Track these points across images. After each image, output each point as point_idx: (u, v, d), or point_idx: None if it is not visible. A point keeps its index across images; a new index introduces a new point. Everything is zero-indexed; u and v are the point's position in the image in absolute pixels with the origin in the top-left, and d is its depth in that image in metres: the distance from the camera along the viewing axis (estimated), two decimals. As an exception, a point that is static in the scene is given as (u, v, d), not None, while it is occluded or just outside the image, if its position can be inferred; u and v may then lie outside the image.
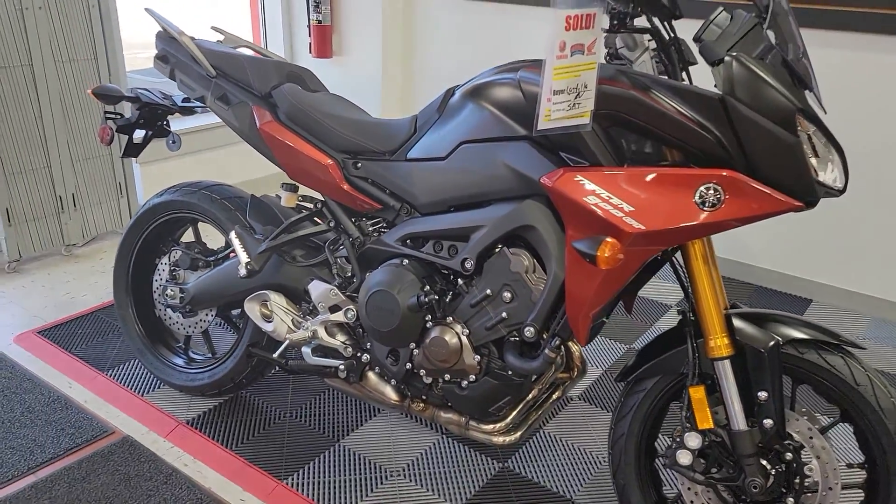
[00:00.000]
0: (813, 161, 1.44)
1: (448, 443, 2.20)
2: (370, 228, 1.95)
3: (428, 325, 1.81)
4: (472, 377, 1.79)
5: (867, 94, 2.84)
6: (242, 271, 2.00)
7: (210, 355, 2.38)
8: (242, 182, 4.01)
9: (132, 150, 2.32)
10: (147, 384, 2.43)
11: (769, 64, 1.46)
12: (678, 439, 1.60)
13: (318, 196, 2.03)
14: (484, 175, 1.70)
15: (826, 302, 3.13)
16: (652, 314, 2.98)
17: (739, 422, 1.54)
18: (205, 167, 3.92)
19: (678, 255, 1.65)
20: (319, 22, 4.04)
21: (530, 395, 1.88)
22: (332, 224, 1.99)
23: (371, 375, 1.97)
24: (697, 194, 1.44)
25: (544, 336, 1.68)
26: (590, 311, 1.57)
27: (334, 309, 1.95)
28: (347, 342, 1.96)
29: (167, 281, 2.29)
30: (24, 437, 2.16)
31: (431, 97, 3.87)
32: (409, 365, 1.87)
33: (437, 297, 1.78)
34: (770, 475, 1.56)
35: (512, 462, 2.12)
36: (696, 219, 1.44)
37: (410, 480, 2.04)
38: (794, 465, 1.55)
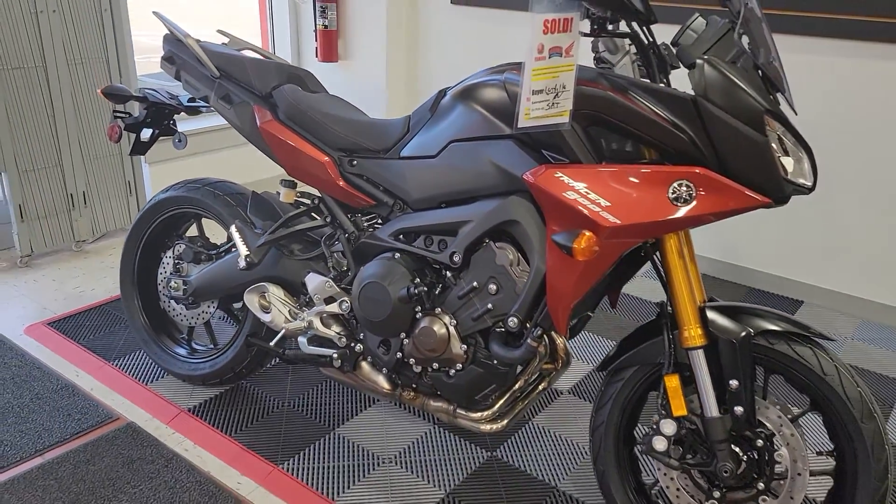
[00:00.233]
0: (783, 160, 1.52)
1: (439, 432, 2.27)
2: (365, 224, 2.04)
3: (417, 316, 1.89)
4: (459, 366, 1.86)
5: (863, 100, 2.90)
6: (242, 263, 2.08)
7: (212, 346, 2.47)
8: (249, 182, 4.11)
9: (139, 147, 2.41)
10: (151, 373, 2.52)
11: (741, 67, 1.53)
12: (654, 426, 1.67)
13: (316, 192, 2.11)
14: (471, 172, 1.77)
15: (817, 303, 3.19)
16: (640, 311, 3.05)
17: (712, 409, 1.61)
18: (212, 167, 4.01)
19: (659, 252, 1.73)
20: (325, 27, 4.14)
21: (517, 386, 1.95)
22: (328, 219, 2.07)
23: (364, 365, 2.05)
24: (671, 190, 1.51)
25: (527, 326, 1.75)
26: (569, 303, 1.64)
27: (329, 300, 2.03)
28: (342, 332, 2.04)
29: (171, 274, 2.38)
30: (32, 422, 2.25)
31: (434, 100, 3.95)
32: (399, 354, 1.94)
33: (426, 289, 1.86)
34: (742, 461, 1.63)
35: (500, 451, 2.20)
36: (668, 214, 1.51)
37: (401, 467, 2.12)
38: (765, 451, 1.62)
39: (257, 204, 2.19)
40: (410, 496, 2.01)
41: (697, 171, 1.51)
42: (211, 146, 4.00)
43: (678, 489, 1.72)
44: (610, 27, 1.60)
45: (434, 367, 1.91)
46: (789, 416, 1.62)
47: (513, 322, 1.74)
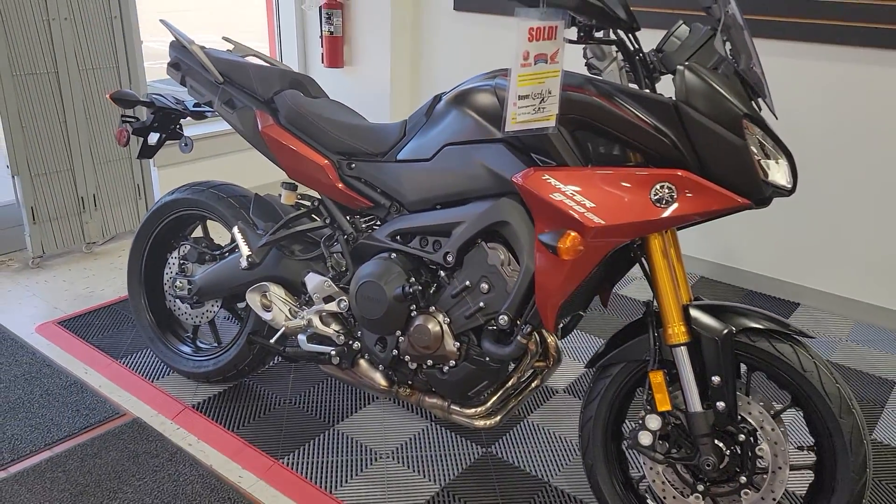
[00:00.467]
0: (763, 163, 1.57)
1: (436, 429, 2.33)
2: (363, 225, 2.10)
3: (412, 315, 1.95)
4: (453, 363, 1.92)
5: (858, 104, 2.94)
6: (244, 263, 2.15)
7: (216, 344, 2.53)
8: (254, 185, 4.18)
9: (147, 151, 2.49)
10: (157, 371, 2.59)
11: (721, 73, 1.59)
12: (640, 422, 1.72)
13: (316, 195, 2.17)
14: (464, 175, 1.83)
15: (813, 305, 3.23)
16: (634, 311, 3.10)
17: (695, 404, 1.65)
18: (219, 170, 4.09)
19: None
20: (331, 33, 4.21)
21: (510, 383, 2.01)
22: (327, 221, 2.14)
23: (362, 362, 2.11)
24: (653, 192, 1.57)
25: (518, 324, 1.81)
26: (557, 301, 1.70)
27: (328, 299, 2.09)
28: (340, 331, 2.10)
29: (176, 274, 2.45)
30: (42, 417, 2.33)
31: (437, 105, 4.01)
32: (395, 351, 2.00)
33: (420, 288, 1.92)
34: (725, 455, 1.68)
35: (495, 447, 2.25)
36: (651, 214, 1.56)
37: (398, 462, 2.18)
38: (748, 446, 1.67)
39: (259, 206, 2.26)
40: (406, 490, 2.07)
41: (679, 173, 1.56)
42: (218, 150, 4.08)
43: (663, 483, 1.77)
44: (597, 34, 1.66)
45: (428, 364, 1.96)
46: (771, 412, 1.67)
47: (503, 320, 1.80)
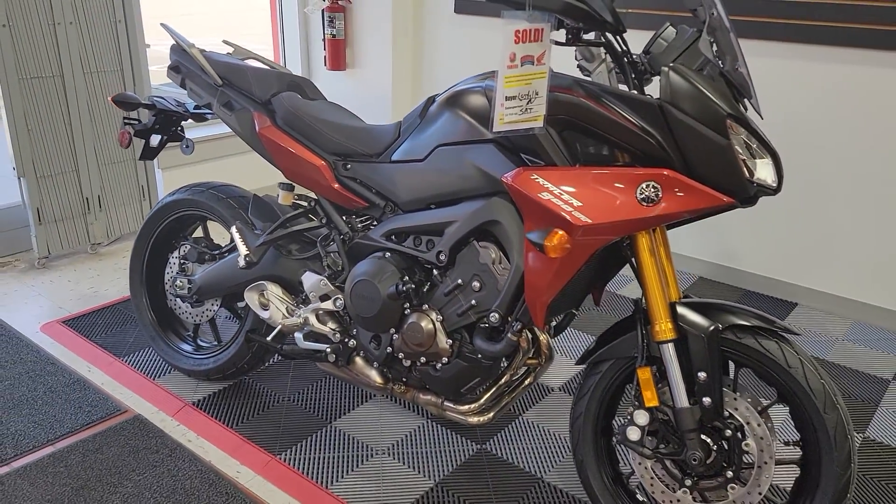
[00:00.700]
0: (749, 162, 1.59)
1: (432, 426, 2.36)
2: (359, 225, 2.13)
3: (406, 312, 1.98)
4: (445, 360, 1.95)
5: (855, 105, 2.96)
6: (242, 263, 2.19)
7: (216, 343, 2.57)
8: (258, 186, 4.23)
9: (149, 153, 2.53)
10: (159, 369, 2.63)
11: (706, 74, 1.61)
12: (629, 417, 1.75)
13: (312, 195, 2.21)
14: (456, 175, 1.87)
15: (811, 305, 3.24)
16: (629, 310, 3.11)
17: (682, 400, 1.68)
18: (222, 172, 4.14)
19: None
20: (333, 36, 4.26)
21: (503, 380, 2.04)
22: (324, 221, 2.17)
23: (358, 360, 2.14)
24: (638, 191, 1.60)
25: (509, 321, 1.84)
26: (546, 298, 1.73)
27: (324, 298, 2.13)
28: (336, 329, 2.13)
29: (177, 273, 2.50)
30: (45, 414, 2.37)
31: (438, 107, 4.05)
32: (389, 349, 2.04)
33: (414, 286, 1.95)
34: (712, 451, 1.70)
35: (490, 444, 2.28)
36: (637, 213, 1.59)
37: (393, 458, 2.21)
38: (734, 441, 1.69)
39: (258, 206, 2.29)
40: (400, 485, 2.10)
41: (665, 172, 1.59)
42: (222, 152, 4.12)
43: (652, 478, 1.79)
44: (585, 37, 1.68)
45: (422, 362, 1.99)
46: (758, 408, 1.70)
47: (494, 317, 1.83)
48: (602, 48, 1.77)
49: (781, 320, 3.07)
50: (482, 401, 2.02)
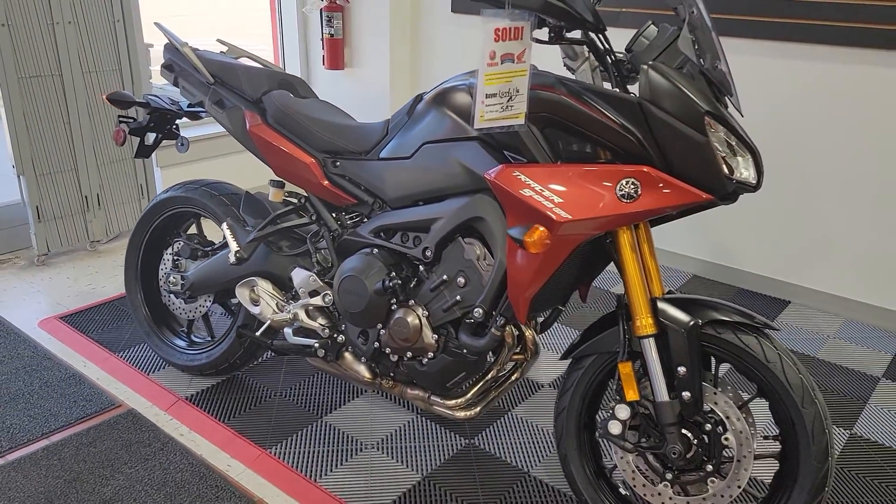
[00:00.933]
0: (729, 159, 1.61)
1: (421, 421, 2.38)
2: (348, 221, 2.16)
3: (393, 308, 2.00)
4: (431, 354, 1.97)
5: (847, 103, 2.97)
6: (232, 259, 2.22)
7: (209, 338, 2.60)
8: (256, 186, 4.26)
9: (144, 151, 2.56)
10: (154, 364, 2.66)
11: (686, 73, 1.63)
12: (611, 411, 1.77)
13: (303, 192, 2.24)
14: (442, 172, 1.89)
15: (803, 303, 3.25)
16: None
17: (662, 394, 1.70)
18: (221, 171, 4.17)
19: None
20: (332, 35, 4.28)
21: (490, 375, 2.06)
22: (314, 217, 2.20)
23: (347, 355, 2.17)
24: (618, 187, 1.62)
25: (494, 316, 1.86)
26: (528, 293, 1.75)
27: (313, 294, 2.15)
28: (325, 324, 2.16)
29: (170, 269, 2.53)
30: (40, 408, 2.40)
31: (435, 106, 4.07)
32: (376, 344, 2.06)
33: (400, 282, 1.98)
34: (692, 444, 1.72)
35: (478, 439, 2.30)
36: (616, 209, 1.61)
37: (382, 453, 2.23)
38: (714, 435, 1.71)
39: (249, 203, 2.32)
40: (388, 478, 2.12)
41: (644, 169, 1.61)
42: (220, 151, 4.15)
43: (633, 471, 1.81)
44: (568, 35, 1.70)
45: (408, 357, 2.02)
46: (738, 403, 1.71)
47: (478, 312, 1.85)
48: (584, 47, 1.79)
49: (774, 318, 3.09)
50: (469, 395, 2.04)
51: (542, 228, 1.64)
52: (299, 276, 2.17)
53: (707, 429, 1.71)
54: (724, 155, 1.61)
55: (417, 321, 1.96)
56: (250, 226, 2.28)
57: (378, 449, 2.25)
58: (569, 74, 1.84)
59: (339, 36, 4.29)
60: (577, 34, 1.81)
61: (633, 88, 1.78)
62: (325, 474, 2.14)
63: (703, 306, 1.72)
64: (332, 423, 2.36)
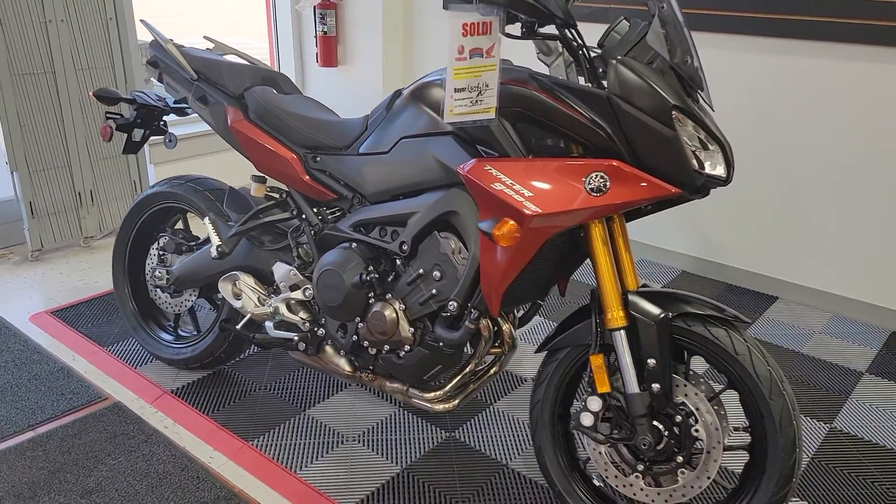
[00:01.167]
0: (699, 153, 1.63)
1: (403, 415, 2.40)
2: (329, 216, 2.18)
3: (371, 302, 2.02)
4: (408, 347, 1.99)
5: (836, 101, 2.98)
6: (214, 253, 2.24)
7: (195, 332, 2.63)
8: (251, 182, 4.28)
9: (131, 147, 2.59)
10: (141, 358, 2.69)
11: (656, 67, 1.64)
12: (583, 403, 1.79)
13: (285, 187, 2.26)
14: (417, 166, 1.91)
15: (791, 299, 3.26)
16: (619, 307, 3.14)
17: (632, 386, 1.71)
18: (215, 168, 4.20)
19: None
20: (325, 33, 4.31)
21: (468, 369, 2.08)
22: (295, 212, 2.22)
23: (328, 349, 2.19)
24: (587, 181, 1.63)
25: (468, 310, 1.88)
26: (500, 286, 1.76)
27: (294, 288, 2.18)
28: (306, 318, 2.18)
29: (157, 264, 2.55)
30: (28, 400, 2.43)
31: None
32: (355, 337, 2.08)
33: (377, 276, 2.00)
34: (663, 436, 1.74)
35: (459, 432, 2.32)
36: (585, 203, 1.63)
37: (363, 445, 2.26)
38: (684, 427, 1.72)
39: (233, 198, 2.35)
40: (367, 470, 2.15)
41: (614, 163, 1.62)
42: (215, 147, 4.18)
43: (606, 463, 1.83)
44: (540, 30, 1.72)
45: (386, 349, 2.04)
46: (708, 395, 1.73)
47: (453, 306, 1.87)
48: (558, 42, 1.80)
49: (761, 314, 3.10)
50: (447, 388, 2.06)
51: (511, 222, 1.66)
52: (280, 270, 2.19)
53: (678, 420, 1.72)
54: (694, 149, 1.62)
55: (394, 315, 1.98)
56: (233, 221, 2.30)
57: (359, 441, 2.27)
58: (544, 69, 1.85)
59: (332, 33, 4.31)
60: (550, 29, 1.83)
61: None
62: (305, 466, 2.16)
63: (674, 300, 1.73)
64: (315, 417, 2.39)
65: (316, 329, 2.18)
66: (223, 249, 2.24)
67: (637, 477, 1.79)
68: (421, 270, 1.93)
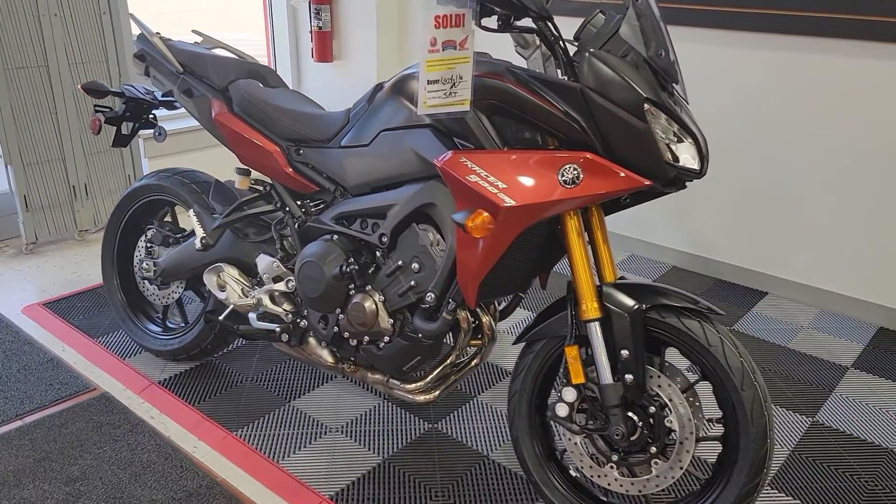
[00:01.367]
0: (673, 146, 1.64)
1: (388, 406, 2.42)
2: (312, 208, 2.19)
3: (351, 293, 2.04)
4: (387, 339, 2.01)
5: (826, 97, 2.98)
6: (198, 245, 2.26)
7: (183, 324, 2.65)
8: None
9: (121, 140, 2.61)
10: (130, 350, 2.71)
11: (630, 61, 1.65)
12: (559, 394, 1.80)
13: (268, 180, 2.28)
14: (397, 159, 1.92)
15: (780, 294, 3.26)
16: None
17: (606, 377, 1.72)
18: (208, 162, 4.21)
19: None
20: (320, 28, 4.32)
21: (449, 360, 2.09)
22: (278, 204, 2.24)
23: (311, 340, 2.21)
24: (560, 173, 1.64)
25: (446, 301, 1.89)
26: (476, 278, 1.77)
27: (277, 279, 2.19)
28: (289, 309, 2.20)
29: (144, 256, 2.57)
30: (17, 390, 2.46)
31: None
32: (336, 328, 2.10)
33: (357, 267, 2.01)
34: (637, 426, 1.75)
35: (441, 424, 2.34)
36: (558, 195, 1.64)
37: (346, 436, 2.27)
38: (657, 418, 1.73)
39: (219, 191, 2.36)
40: (349, 460, 2.17)
41: (587, 155, 1.63)
42: (209, 142, 4.20)
43: (581, 453, 1.84)
44: (517, 23, 1.73)
45: (366, 341, 2.06)
46: (681, 386, 1.74)
47: (430, 297, 1.89)
48: (535, 35, 1.81)
49: (750, 309, 3.11)
50: (428, 379, 2.07)
51: (485, 213, 1.67)
52: (264, 262, 2.21)
53: (651, 411, 1.74)
54: (668, 142, 1.63)
55: (374, 306, 2.00)
56: (218, 213, 2.32)
57: (342, 432, 2.29)
58: (524, 63, 1.86)
59: (327, 28, 4.32)
60: (527, 22, 1.84)
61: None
62: (288, 456, 2.18)
63: (650, 292, 1.74)
64: (300, 408, 2.41)
65: (298, 320, 2.20)
66: (207, 241, 2.26)
67: (612, 467, 1.81)
68: (400, 262, 1.95)
